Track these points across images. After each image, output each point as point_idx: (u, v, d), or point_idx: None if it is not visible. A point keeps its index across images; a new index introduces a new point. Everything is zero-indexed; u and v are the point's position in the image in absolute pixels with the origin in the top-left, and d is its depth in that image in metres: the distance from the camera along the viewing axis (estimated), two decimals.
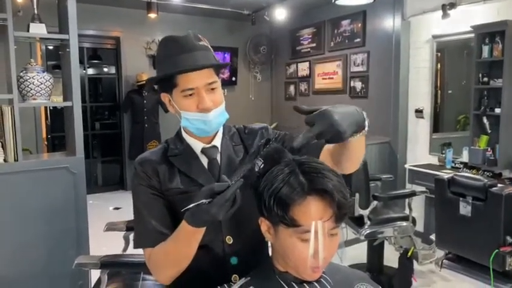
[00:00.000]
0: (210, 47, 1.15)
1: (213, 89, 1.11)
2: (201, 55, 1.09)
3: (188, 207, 0.93)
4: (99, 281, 1.89)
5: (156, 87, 1.19)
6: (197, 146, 1.17)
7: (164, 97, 1.16)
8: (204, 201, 0.91)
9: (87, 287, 2.69)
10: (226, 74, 6.50)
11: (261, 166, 1.01)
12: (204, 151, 1.16)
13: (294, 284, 0.98)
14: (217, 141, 1.18)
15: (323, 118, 0.91)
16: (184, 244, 1.02)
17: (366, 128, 0.99)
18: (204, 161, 1.16)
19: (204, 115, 1.10)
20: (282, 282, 0.98)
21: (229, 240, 1.13)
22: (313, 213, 0.90)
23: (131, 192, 1.18)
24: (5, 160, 2.57)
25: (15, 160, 2.58)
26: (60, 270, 2.73)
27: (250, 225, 1.03)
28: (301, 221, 0.90)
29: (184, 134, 1.19)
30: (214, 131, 1.16)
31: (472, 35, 3.53)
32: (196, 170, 1.14)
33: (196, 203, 0.92)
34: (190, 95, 1.09)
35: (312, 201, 0.90)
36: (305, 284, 0.98)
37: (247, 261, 1.10)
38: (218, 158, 1.17)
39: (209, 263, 1.12)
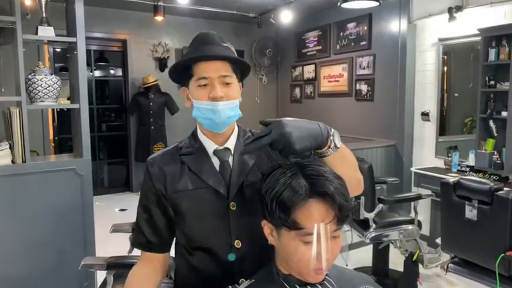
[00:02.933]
0: (233, 49, 1.18)
1: (227, 83, 1.12)
2: (220, 49, 1.12)
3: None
4: (105, 282, 1.91)
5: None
6: (210, 146, 1.17)
7: (184, 92, 1.19)
8: None
9: None
10: None
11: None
12: (216, 153, 1.16)
13: (297, 286, 0.98)
14: (230, 144, 1.18)
15: (276, 128, 0.95)
16: None
17: (333, 145, 1.01)
18: (216, 162, 1.16)
19: (213, 104, 1.10)
20: (286, 285, 0.99)
21: (237, 244, 1.12)
22: (315, 216, 0.91)
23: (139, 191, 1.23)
24: (13, 161, 2.60)
25: (23, 161, 2.60)
26: (67, 271, 2.74)
27: (259, 230, 1.02)
28: (303, 223, 0.90)
29: (199, 133, 1.20)
30: (223, 125, 1.14)
31: (479, 38, 3.52)
32: (207, 170, 1.14)
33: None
34: (205, 85, 1.11)
35: (314, 204, 0.91)
36: (309, 287, 0.98)
37: (254, 265, 1.09)
38: (230, 161, 1.17)
39: (217, 266, 1.12)
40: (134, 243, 1.22)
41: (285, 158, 1.00)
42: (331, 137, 1.01)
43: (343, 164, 1.06)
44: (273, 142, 0.94)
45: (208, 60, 1.10)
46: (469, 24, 3.67)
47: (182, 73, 1.15)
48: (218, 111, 1.10)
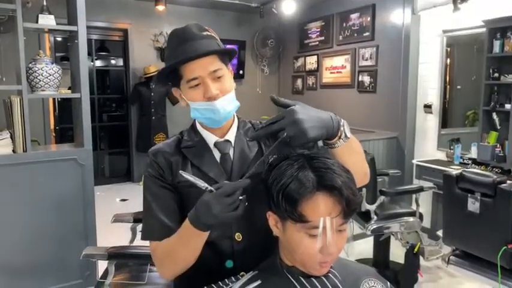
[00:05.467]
0: (215, 36, 1.13)
1: (219, 77, 1.09)
2: (202, 43, 1.07)
3: (195, 182, 0.94)
4: (106, 272, 1.91)
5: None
6: (210, 139, 1.15)
7: (176, 92, 1.15)
8: (209, 187, 0.92)
9: (95, 278, 2.71)
10: (233, 67, 6.49)
11: (271, 159, 1.00)
12: (216, 145, 1.15)
13: (301, 278, 0.97)
14: (231, 135, 1.17)
15: (289, 115, 0.93)
16: (186, 245, 1.01)
17: (343, 136, 1.00)
18: (217, 154, 1.15)
19: (211, 104, 1.08)
20: (290, 277, 0.98)
21: (238, 237, 1.11)
22: (321, 209, 0.89)
23: (142, 182, 1.18)
24: (13, 151, 2.59)
25: (23, 151, 2.60)
26: (68, 260, 2.75)
27: (261, 222, 1.01)
28: (309, 216, 0.89)
29: (198, 126, 1.18)
30: (224, 120, 1.13)
31: (483, 29, 3.49)
32: (208, 163, 1.13)
33: (202, 186, 0.93)
34: (197, 85, 1.08)
35: (321, 197, 0.89)
36: (313, 279, 0.97)
37: (256, 258, 1.08)
38: (231, 153, 1.15)
39: (217, 259, 1.11)
40: (148, 236, 1.11)
41: (291, 148, 0.99)
42: (342, 128, 1.00)
43: (352, 155, 1.04)
44: (283, 128, 0.92)
45: (194, 59, 1.06)
46: (474, 16, 3.63)
47: (170, 75, 1.11)
48: (217, 109, 1.08)
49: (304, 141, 0.92)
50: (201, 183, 0.94)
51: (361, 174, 1.10)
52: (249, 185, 0.94)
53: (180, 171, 0.97)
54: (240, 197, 0.93)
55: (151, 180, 1.12)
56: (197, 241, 1.00)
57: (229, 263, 1.10)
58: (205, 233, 0.98)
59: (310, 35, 6.03)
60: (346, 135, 1.01)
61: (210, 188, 0.93)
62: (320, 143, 1.10)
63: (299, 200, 0.89)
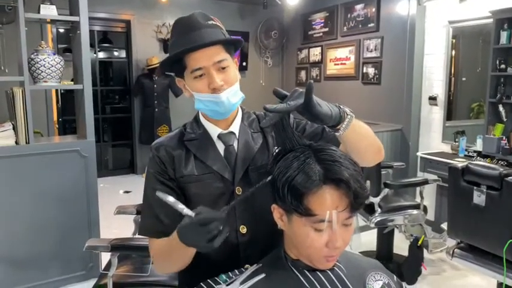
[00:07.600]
0: (221, 25, 1.11)
1: (224, 67, 1.07)
2: (208, 33, 1.05)
3: (174, 206, 0.89)
4: (109, 264, 1.90)
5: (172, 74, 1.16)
6: (214, 131, 1.13)
7: (179, 82, 1.14)
8: (188, 213, 0.88)
9: (98, 269, 2.71)
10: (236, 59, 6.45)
11: (276, 151, 0.98)
12: (220, 137, 1.13)
13: (306, 272, 0.96)
14: (235, 127, 1.15)
15: (300, 92, 0.93)
16: (176, 251, 1.00)
17: (348, 117, 0.99)
18: (221, 147, 1.13)
19: (215, 96, 1.06)
20: (295, 270, 0.96)
21: (243, 229, 1.10)
22: (328, 202, 0.87)
23: (145, 175, 1.16)
24: (16, 142, 2.59)
25: (26, 142, 2.59)
26: (71, 252, 2.76)
27: (266, 215, 1.00)
28: (315, 210, 0.87)
29: (201, 118, 1.16)
30: (229, 113, 1.11)
31: (490, 20, 3.44)
32: (211, 156, 1.11)
33: (184, 210, 0.88)
34: (201, 75, 1.06)
35: (328, 191, 0.87)
36: (318, 272, 0.96)
37: (260, 251, 1.07)
38: (235, 145, 1.13)
39: (221, 252, 1.08)
40: (144, 231, 1.11)
41: (291, 133, 0.97)
42: (342, 108, 0.99)
43: (362, 137, 1.05)
44: (295, 103, 0.91)
45: (199, 49, 1.04)
46: (480, 6, 3.58)
47: (173, 65, 1.09)
48: (222, 102, 1.06)
49: (315, 112, 0.91)
50: (179, 206, 0.89)
51: (376, 150, 1.12)
52: (225, 220, 0.89)
53: (157, 193, 0.91)
54: (221, 228, 0.88)
55: (153, 176, 1.11)
56: (187, 250, 0.97)
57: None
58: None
59: (314, 26, 5.98)
60: (346, 112, 0.99)
61: (188, 213, 0.88)
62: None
63: (305, 193, 0.87)
